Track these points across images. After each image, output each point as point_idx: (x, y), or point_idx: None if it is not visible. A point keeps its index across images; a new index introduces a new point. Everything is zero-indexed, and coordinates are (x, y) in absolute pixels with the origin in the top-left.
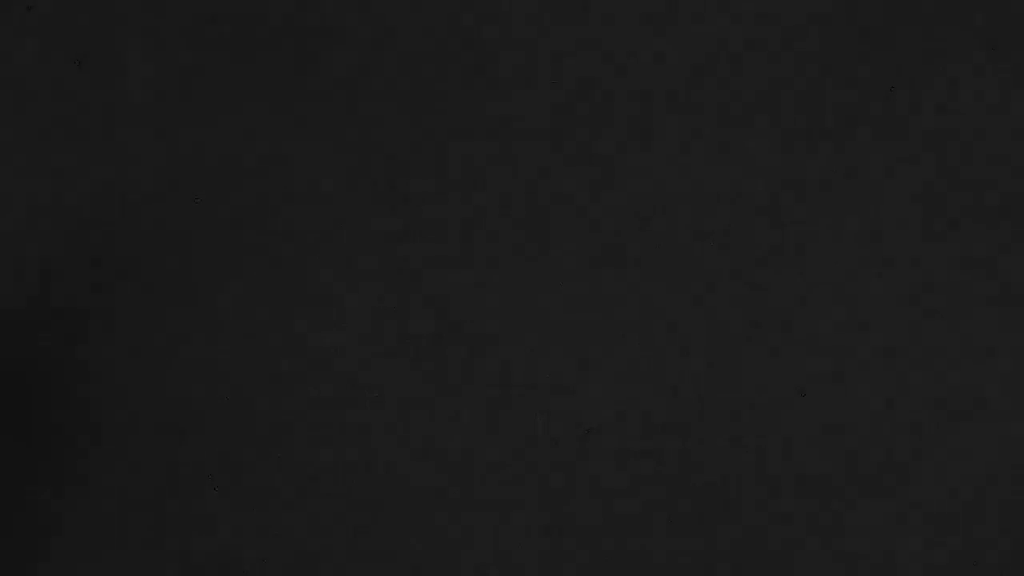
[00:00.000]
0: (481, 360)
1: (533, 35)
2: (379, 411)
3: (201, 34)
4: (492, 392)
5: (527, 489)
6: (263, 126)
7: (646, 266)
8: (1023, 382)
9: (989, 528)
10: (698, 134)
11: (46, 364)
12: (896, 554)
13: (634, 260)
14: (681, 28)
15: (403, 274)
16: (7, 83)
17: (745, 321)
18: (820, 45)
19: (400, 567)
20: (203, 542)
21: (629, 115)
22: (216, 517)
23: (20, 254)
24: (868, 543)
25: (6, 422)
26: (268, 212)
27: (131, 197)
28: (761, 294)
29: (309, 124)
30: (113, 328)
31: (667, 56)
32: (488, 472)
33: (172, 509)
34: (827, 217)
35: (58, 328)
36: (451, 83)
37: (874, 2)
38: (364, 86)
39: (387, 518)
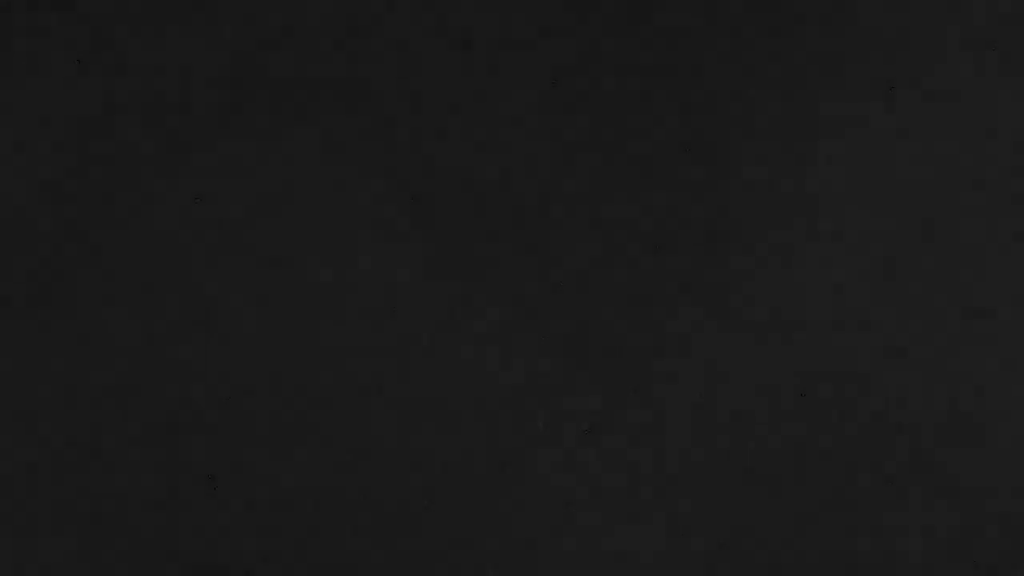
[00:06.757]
0: (481, 359)
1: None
2: (379, 411)
3: (201, 35)
4: (491, 392)
5: (527, 489)
6: (262, 125)
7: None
8: None
9: (990, 530)
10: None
11: (46, 360)
12: (901, 554)
13: (632, 259)
14: None
15: (404, 273)
16: (7, 83)
17: (751, 320)
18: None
19: (400, 567)
20: (203, 542)
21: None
22: (216, 517)
23: (19, 253)
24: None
25: (8, 420)
26: (267, 212)
27: (130, 196)
28: (764, 293)
29: (309, 123)
30: (112, 325)
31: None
32: (488, 472)
33: (172, 509)
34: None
35: (57, 326)
36: (452, 79)
37: None
38: (365, 86)
39: (387, 519)
